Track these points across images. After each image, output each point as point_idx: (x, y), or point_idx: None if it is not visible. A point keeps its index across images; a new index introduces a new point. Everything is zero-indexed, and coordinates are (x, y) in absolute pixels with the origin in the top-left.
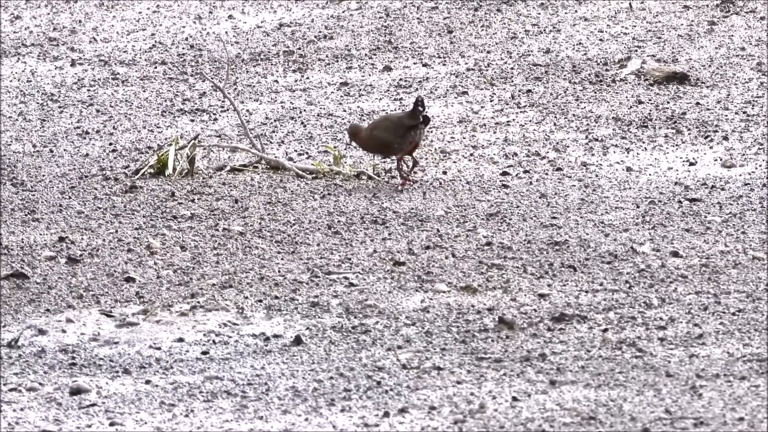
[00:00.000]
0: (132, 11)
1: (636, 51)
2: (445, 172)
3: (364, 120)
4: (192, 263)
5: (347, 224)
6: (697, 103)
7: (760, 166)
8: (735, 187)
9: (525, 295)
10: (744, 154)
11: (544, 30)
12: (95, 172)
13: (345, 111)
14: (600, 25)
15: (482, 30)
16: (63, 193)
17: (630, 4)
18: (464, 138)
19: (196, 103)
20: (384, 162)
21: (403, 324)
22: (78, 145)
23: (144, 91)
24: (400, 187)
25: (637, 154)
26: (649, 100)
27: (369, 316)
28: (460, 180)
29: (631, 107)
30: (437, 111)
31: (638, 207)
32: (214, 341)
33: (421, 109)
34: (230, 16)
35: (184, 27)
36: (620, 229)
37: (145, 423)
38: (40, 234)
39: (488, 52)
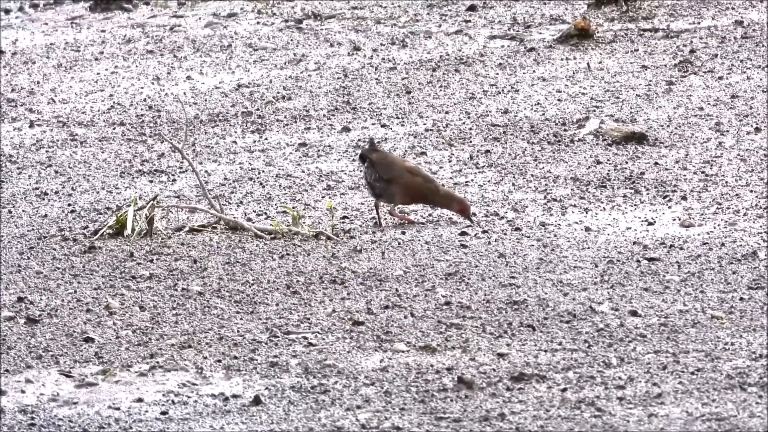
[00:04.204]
0: (90, 72)
1: (594, 111)
2: (403, 232)
3: (322, 180)
4: (151, 323)
5: (306, 284)
6: (656, 163)
7: (719, 225)
8: (693, 246)
9: (484, 355)
10: (702, 214)
11: (503, 90)
12: (54, 232)
13: (303, 172)
14: (558, 85)
15: (440, 90)
16: (22, 254)
17: (588, 64)
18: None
19: (154, 164)
20: (343, 222)
21: (362, 384)
22: (37, 206)
23: (103, 152)
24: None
25: (596, 214)
26: (608, 160)
27: (328, 376)
28: (419, 240)
29: (589, 167)
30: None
31: (597, 266)
32: (173, 401)
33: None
34: (188, 77)
35: (142, 88)
36: (579, 289)
37: None
38: None
39: (446, 112)
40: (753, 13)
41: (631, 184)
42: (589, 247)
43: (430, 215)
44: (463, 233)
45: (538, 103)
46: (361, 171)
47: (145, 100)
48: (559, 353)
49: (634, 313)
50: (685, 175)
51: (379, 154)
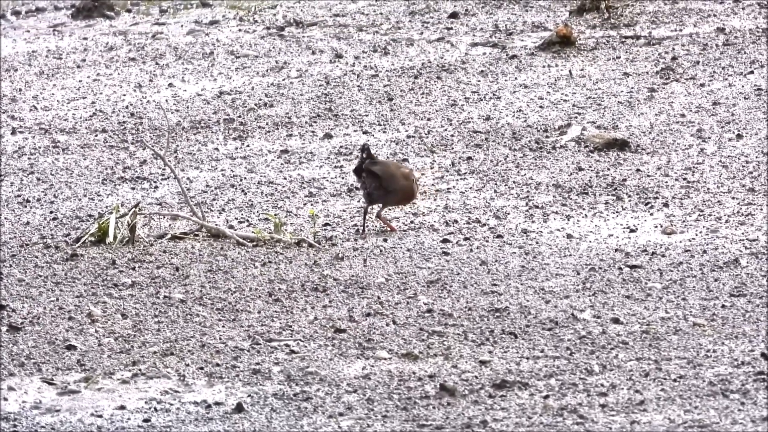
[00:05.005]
0: (72, 79)
1: (576, 118)
2: (385, 240)
3: (304, 187)
4: (133, 331)
5: (288, 292)
6: (638, 170)
7: (701, 232)
8: (675, 253)
9: (466, 362)
10: (684, 221)
11: (484, 97)
12: (36, 240)
13: (285, 179)
14: (540, 92)
15: (422, 97)
16: (3, 262)
17: (570, 71)
18: (404, 205)
19: (136, 171)
20: (324, 229)
21: (345, 391)
22: (19, 214)
23: (85, 159)
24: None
25: (578, 221)
26: (590, 166)
27: (310, 384)
28: (401, 247)
29: (571, 174)
30: None
31: (579, 274)
32: (155, 409)
33: (364, 156)
34: (170, 84)
35: (124, 95)
36: (561, 296)
37: None
38: None
39: (428, 119)
40: (735, 21)
41: (612, 190)
42: (570, 255)
43: (411, 222)
44: (445, 240)
45: (520, 110)
46: (356, 179)
47: (127, 107)
48: (541, 360)
49: (616, 321)
50: (666, 182)
51: (381, 167)
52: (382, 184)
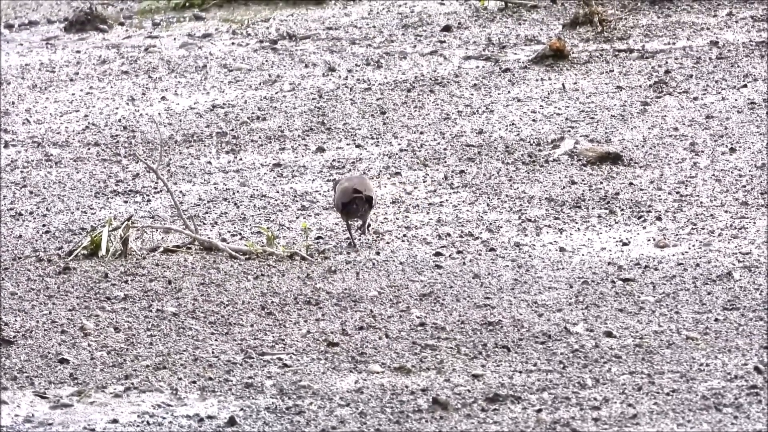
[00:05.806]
0: (65, 93)
1: (569, 131)
2: (378, 253)
3: (297, 201)
4: (126, 344)
5: (281, 305)
6: (630, 184)
7: (693, 246)
8: (668, 267)
9: (459, 376)
10: (677, 234)
11: (477, 111)
12: (28, 253)
13: (278, 192)
14: (533, 105)
15: (415, 111)
16: None
17: (563, 84)
18: (397, 218)
19: (129, 185)
20: (317, 242)
21: (337, 405)
22: (11, 227)
23: (77, 173)
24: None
25: (571, 234)
26: (582, 180)
27: (303, 397)
28: (393, 260)
29: (564, 188)
30: None
31: (571, 287)
32: (148, 422)
33: (364, 209)
34: (163, 98)
35: (117, 108)
36: (554, 310)
37: None
38: None
39: (421, 132)
40: (728, 34)
41: (605, 204)
42: (563, 268)
43: (404, 235)
44: (437, 254)
45: (513, 124)
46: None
47: (119, 120)
48: (534, 374)
49: (609, 334)
50: (659, 196)
51: (368, 191)
52: (371, 202)
